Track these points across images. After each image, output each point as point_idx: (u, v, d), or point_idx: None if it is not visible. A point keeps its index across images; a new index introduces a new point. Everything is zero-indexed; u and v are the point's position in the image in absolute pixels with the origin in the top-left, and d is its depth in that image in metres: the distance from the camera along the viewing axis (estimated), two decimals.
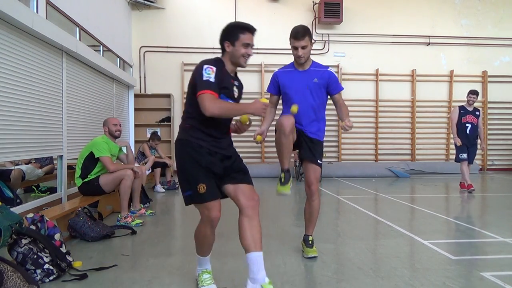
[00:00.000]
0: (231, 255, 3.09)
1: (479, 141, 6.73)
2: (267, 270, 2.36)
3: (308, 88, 3.01)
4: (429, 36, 10.21)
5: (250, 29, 2.34)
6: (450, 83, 10.30)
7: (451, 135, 10.15)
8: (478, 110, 6.64)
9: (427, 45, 10.25)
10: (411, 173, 9.21)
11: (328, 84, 3.04)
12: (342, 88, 3.14)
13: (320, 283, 2.48)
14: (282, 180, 2.87)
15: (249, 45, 2.33)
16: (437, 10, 10.28)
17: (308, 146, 3.08)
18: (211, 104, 2.14)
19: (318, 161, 3.10)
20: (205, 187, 2.22)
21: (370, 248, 3.13)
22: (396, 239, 3.53)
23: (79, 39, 5.73)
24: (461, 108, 6.67)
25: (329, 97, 3.13)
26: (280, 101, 3.28)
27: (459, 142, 6.48)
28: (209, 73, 2.23)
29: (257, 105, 2.25)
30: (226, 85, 2.33)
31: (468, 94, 6.60)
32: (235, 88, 2.42)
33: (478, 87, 10.32)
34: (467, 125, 6.56)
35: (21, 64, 4.01)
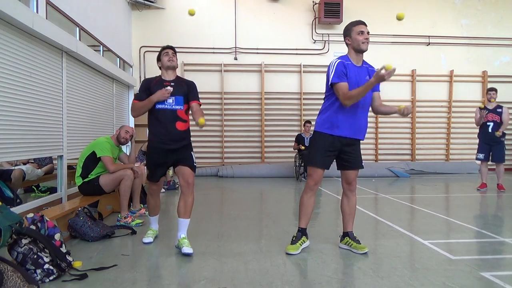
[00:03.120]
0: (231, 255, 3.09)
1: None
2: (267, 270, 2.73)
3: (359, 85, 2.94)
4: (429, 36, 10.21)
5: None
6: (450, 83, 10.29)
7: (451, 135, 10.29)
8: (501, 107, 6.48)
9: (427, 45, 10.26)
10: (411, 173, 9.21)
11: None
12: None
13: (320, 283, 2.48)
14: (293, 238, 3.19)
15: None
16: (437, 10, 10.28)
17: (356, 153, 3.12)
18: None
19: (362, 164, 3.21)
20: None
21: (370, 248, 3.13)
22: (396, 239, 3.53)
23: (79, 39, 5.72)
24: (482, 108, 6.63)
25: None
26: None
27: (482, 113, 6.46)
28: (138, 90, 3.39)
29: (158, 93, 3.17)
30: (155, 89, 3.22)
31: (487, 92, 6.64)
32: (168, 88, 3.22)
33: (478, 87, 10.35)
34: (488, 123, 6.46)
35: (21, 64, 4.00)
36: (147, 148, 3.43)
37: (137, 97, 3.32)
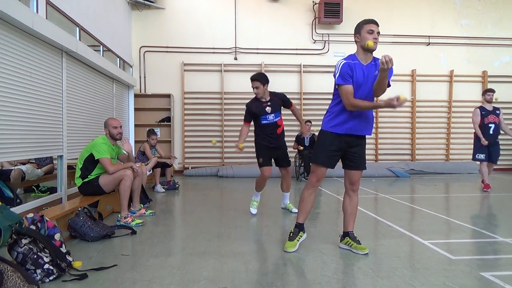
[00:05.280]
0: (231, 255, 3.09)
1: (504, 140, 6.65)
2: (268, 270, 2.78)
3: (369, 85, 2.96)
4: (429, 36, 10.21)
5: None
6: (450, 83, 10.29)
7: (451, 135, 10.29)
8: (498, 109, 6.53)
9: (427, 45, 10.26)
10: (411, 173, 9.20)
11: None
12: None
13: (320, 283, 2.48)
14: (290, 234, 3.24)
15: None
16: (437, 10, 10.28)
17: (361, 154, 3.12)
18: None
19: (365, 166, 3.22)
20: (261, 159, 4.50)
21: (370, 248, 3.13)
22: (396, 239, 3.53)
23: (79, 39, 5.73)
24: (482, 109, 6.56)
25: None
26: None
27: (485, 142, 6.38)
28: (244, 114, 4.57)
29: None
30: (258, 111, 4.45)
31: (486, 92, 6.58)
32: (267, 108, 4.45)
33: (478, 87, 10.34)
34: (490, 125, 6.44)
35: (21, 64, 4.01)
36: (256, 145, 4.56)
37: (246, 119, 4.59)
